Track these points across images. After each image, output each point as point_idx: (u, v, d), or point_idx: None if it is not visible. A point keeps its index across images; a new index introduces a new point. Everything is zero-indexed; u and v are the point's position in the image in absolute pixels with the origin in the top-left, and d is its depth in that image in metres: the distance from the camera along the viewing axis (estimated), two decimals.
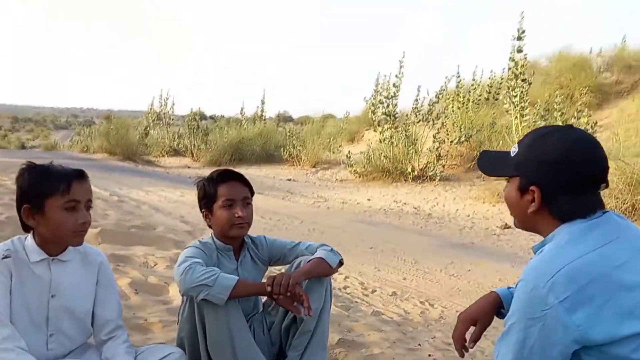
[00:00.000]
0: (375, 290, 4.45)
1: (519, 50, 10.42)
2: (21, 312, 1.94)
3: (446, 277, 4.99)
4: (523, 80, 10.24)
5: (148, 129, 20.74)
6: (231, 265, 2.40)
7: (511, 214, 1.61)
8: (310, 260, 2.35)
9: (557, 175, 1.44)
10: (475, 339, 1.75)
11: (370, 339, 3.19)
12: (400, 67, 13.00)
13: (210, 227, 2.46)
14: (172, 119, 23.00)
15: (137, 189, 9.84)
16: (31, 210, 1.93)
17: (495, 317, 1.79)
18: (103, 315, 2.14)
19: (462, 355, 1.78)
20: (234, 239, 2.41)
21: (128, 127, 19.63)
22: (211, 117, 31.65)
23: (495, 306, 1.79)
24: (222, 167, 2.61)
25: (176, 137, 21.07)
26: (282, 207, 8.85)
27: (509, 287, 1.84)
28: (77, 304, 2.08)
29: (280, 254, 2.55)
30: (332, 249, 2.47)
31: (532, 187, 1.47)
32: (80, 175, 1.99)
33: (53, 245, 2.01)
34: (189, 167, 16.71)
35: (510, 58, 10.60)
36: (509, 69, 10.66)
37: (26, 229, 2.02)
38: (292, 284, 2.14)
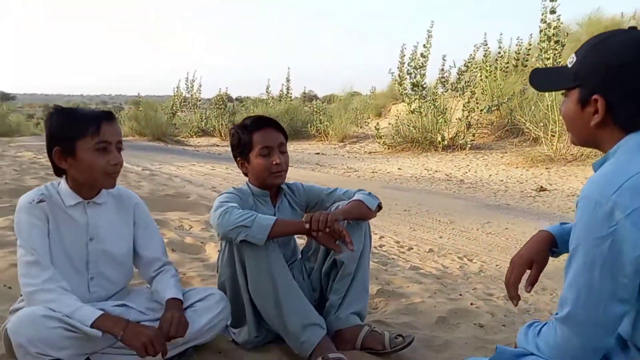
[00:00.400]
0: (412, 248, 4.40)
1: (552, 11, 10.06)
2: (60, 256, 1.94)
3: (483, 235, 4.91)
4: (556, 42, 9.92)
5: (175, 108, 20.88)
6: (268, 211, 2.36)
7: (569, 131, 1.48)
8: (349, 202, 2.31)
9: (623, 80, 1.30)
10: (533, 282, 1.63)
11: (410, 290, 3.15)
12: (429, 37, 12.78)
13: (245, 175, 2.42)
14: (200, 100, 23.13)
15: (168, 164, 9.93)
16: (62, 152, 1.92)
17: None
18: (149, 255, 2.14)
19: (517, 302, 1.65)
20: (271, 187, 2.38)
21: (156, 109, 19.78)
22: (237, 99, 31.72)
23: (549, 245, 1.67)
24: (254, 115, 2.56)
25: (204, 118, 21.22)
26: (312, 177, 8.82)
27: (561, 223, 1.73)
28: (115, 247, 2.07)
29: (318, 199, 2.50)
30: (370, 193, 2.41)
31: (594, 97, 1.33)
32: (108, 116, 1.96)
33: (87, 188, 2.00)
34: (217, 146, 16.80)
35: (542, 20, 10.26)
36: (541, 31, 10.32)
37: (58, 173, 2.02)
38: (331, 219, 2.09)
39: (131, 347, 1.79)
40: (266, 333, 2.26)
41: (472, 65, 14.08)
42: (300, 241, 2.72)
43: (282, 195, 2.44)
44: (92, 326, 1.76)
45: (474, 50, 13.75)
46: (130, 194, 2.22)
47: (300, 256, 2.53)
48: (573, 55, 1.43)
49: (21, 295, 1.92)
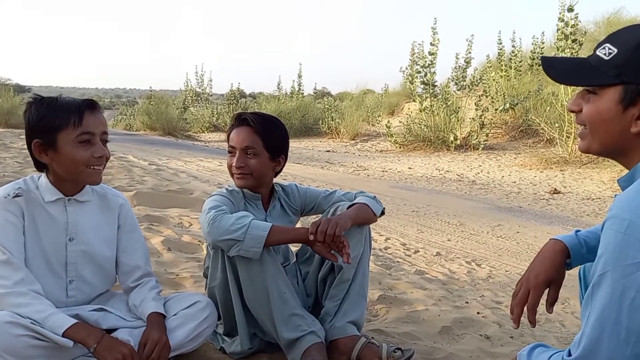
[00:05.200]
0: (418, 251, 4.23)
1: (570, 9, 9.80)
2: (37, 256, 1.83)
3: (493, 238, 4.73)
4: (574, 41, 9.67)
5: (186, 103, 20.85)
6: (259, 215, 2.20)
7: (591, 136, 1.26)
8: (353, 206, 2.16)
9: None
10: (553, 301, 1.49)
11: (414, 297, 3.00)
12: (434, 34, 12.52)
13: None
14: (211, 95, 23.09)
15: (176, 159, 9.82)
16: (43, 145, 1.79)
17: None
18: (129, 263, 2.02)
19: (535, 325, 1.51)
20: (254, 187, 2.22)
21: (168, 104, 19.74)
22: (250, 95, 31.70)
23: (564, 258, 1.50)
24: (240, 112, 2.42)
25: (215, 113, 21.15)
26: (320, 174, 8.68)
27: (576, 231, 1.57)
28: (98, 248, 1.95)
29: (314, 202, 2.35)
30: (374, 197, 2.27)
31: None
32: (91, 106, 1.84)
33: (69, 184, 1.88)
34: None
35: (559, 18, 10.01)
36: (558, 30, 10.07)
37: (39, 167, 1.89)
38: (339, 233, 1.95)
39: None
40: (259, 342, 2.13)
41: (484, 64, 13.83)
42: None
43: (276, 199, 2.30)
44: (63, 335, 1.64)
45: (469, 44, 13.51)
46: (115, 193, 2.09)
47: (294, 259, 2.39)
48: (608, 45, 1.22)
49: None
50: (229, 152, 2.19)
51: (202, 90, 22.54)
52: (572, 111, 1.30)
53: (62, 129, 1.77)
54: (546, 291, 1.50)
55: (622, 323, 1.06)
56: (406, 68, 13.74)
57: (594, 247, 1.46)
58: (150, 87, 21.41)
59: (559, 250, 1.50)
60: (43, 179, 1.88)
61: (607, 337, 1.08)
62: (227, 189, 2.26)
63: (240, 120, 2.20)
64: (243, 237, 1.90)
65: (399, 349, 2.03)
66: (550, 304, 1.49)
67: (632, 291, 1.04)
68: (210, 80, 22.70)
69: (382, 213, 2.27)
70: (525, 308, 1.46)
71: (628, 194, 1.11)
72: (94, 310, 1.90)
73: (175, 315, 1.94)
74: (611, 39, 1.22)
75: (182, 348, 1.92)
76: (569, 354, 1.17)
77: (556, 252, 1.50)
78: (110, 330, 1.83)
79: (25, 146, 1.92)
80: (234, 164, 2.16)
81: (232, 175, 2.19)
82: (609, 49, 1.20)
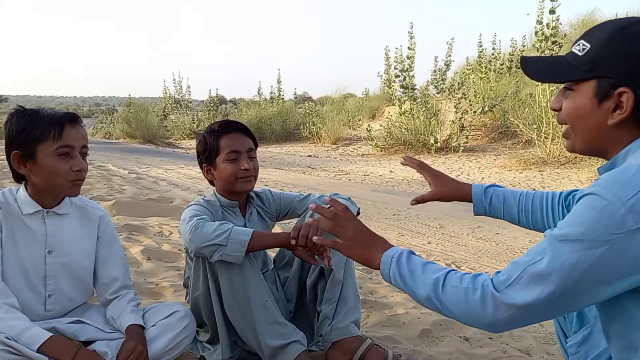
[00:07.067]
0: None
1: (552, 12, 9.83)
2: (14, 269, 1.81)
3: (473, 240, 4.77)
4: (554, 42, 9.74)
5: (166, 110, 20.70)
6: (238, 222, 2.22)
7: (573, 133, 1.29)
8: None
9: None
10: (420, 200, 1.86)
11: (394, 300, 3.02)
12: (411, 38, 12.57)
13: (212, 183, 2.29)
14: (191, 102, 22.92)
15: (156, 167, 9.76)
16: (22, 156, 1.79)
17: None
18: (108, 274, 2.01)
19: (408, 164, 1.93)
20: (239, 194, 2.24)
21: (147, 111, 19.62)
22: (231, 101, 31.59)
23: (462, 191, 1.82)
24: (224, 119, 2.43)
25: (196, 119, 21.03)
26: (302, 180, 8.68)
27: (496, 185, 1.82)
28: (77, 261, 1.94)
29: (289, 207, 2.38)
30: (349, 198, 2.30)
31: (620, 90, 1.16)
32: (73, 119, 1.84)
33: (48, 197, 1.88)
34: None
35: (537, 21, 10.08)
36: (536, 32, 10.12)
37: (18, 179, 1.89)
38: (320, 237, 1.97)
39: None
40: (240, 351, 2.14)
41: (463, 67, 13.94)
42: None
43: (252, 206, 2.31)
44: (38, 350, 1.62)
45: (449, 47, 13.56)
46: (95, 205, 2.09)
47: (272, 266, 2.40)
48: (582, 42, 1.25)
49: None
50: (230, 159, 2.16)
51: (181, 97, 22.37)
52: (554, 109, 1.32)
53: (41, 141, 1.77)
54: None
55: (568, 290, 1.10)
56: (384, 73, 13.77)
57: (497, 207, 1.78)
58: (129, 95, 21.26)
59: (464, 190, 1.82)
60: (22, 191, 1.88)
61: (545, 297, 1.10)
62: (203, 199, 2.26)
63: (233, 125, 2.25)
64: (226, 241, 1.91)
65: (400, 355, 2.06)
66: (416, 200, 1.88)
67: (587, 263, 1.06)
68: (189, 87, 22.52)
69: (358, 213, 2.29)
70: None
71: (614, 174, 1.12)
72: (71, 322, 1.88)
73: (153, 325, 1.93)
74: (586, 35, 1.25)
75: (161, 358, 1.91)
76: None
77: (465, 188, 1.83)
78: (87, 343, 1.82)
79: (2, 157, 1.92)
80: (244, 167, 2.16)
81: (235, 181, 2.18)
82: (583, 45, 1.23)
